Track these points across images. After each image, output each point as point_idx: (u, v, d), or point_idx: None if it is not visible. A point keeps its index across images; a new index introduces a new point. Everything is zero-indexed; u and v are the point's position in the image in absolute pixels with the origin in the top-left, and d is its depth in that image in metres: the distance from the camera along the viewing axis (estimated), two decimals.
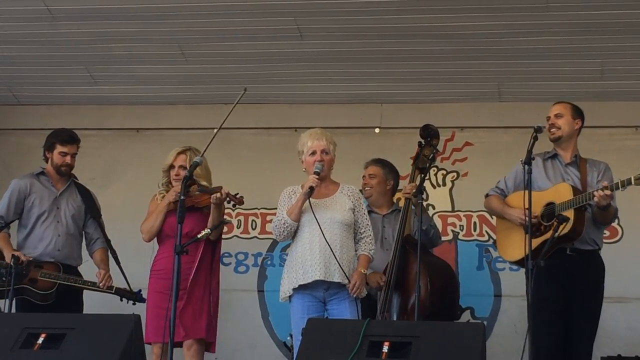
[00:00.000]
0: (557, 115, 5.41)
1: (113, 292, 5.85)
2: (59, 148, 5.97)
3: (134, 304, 5.85)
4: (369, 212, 5.99)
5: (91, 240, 6.06)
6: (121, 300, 5.88)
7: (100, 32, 6.54)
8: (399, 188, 6.21)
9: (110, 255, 6.02)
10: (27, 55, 6.93)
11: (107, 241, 6.03)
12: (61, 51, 6.86)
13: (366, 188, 6.12)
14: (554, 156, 5.45)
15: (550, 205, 5.21)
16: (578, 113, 5.45)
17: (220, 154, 7.30)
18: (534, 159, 4.96)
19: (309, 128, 5.54)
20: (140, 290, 5.81)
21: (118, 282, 5.93)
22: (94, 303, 6.16)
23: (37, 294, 5.72)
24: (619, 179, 5.02)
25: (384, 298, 5.54)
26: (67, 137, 6.00)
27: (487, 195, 5.57)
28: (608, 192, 4.98)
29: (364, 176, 6.17)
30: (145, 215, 5.69)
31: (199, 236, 5.07)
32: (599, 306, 5.28)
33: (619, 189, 4.98)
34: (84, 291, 5.93)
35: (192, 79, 7.18)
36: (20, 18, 6.43)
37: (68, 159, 5.98)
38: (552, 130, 5.40)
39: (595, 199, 5.00)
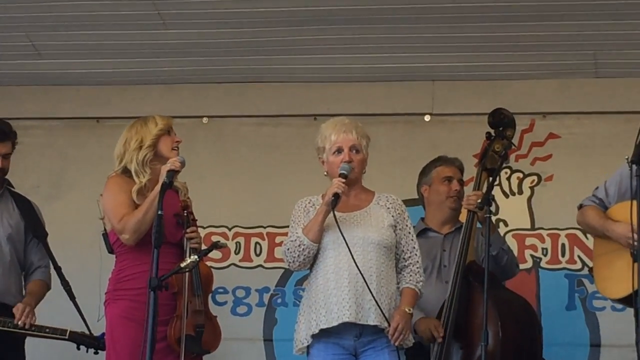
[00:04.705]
0: None
1: (67, 337, 5.85)
2: None
3: (95, 352, 5.88)
4: (426, 230, 6.06)
5: (30, 268, 6.09)
6: (78, 348, 5.90)
7: None
8: None
9: (62, 287, 6.05)
10: None
11: (57, 269, 6.05)
12: None
13: (452, 197, 6.06)
14: None
15: None
16: None
17: (211, 152, 7.35)
18: None
19: (332, 116, 5.54)
20: (103, 334, 5.79)
21: (73, 323, 5.93)
22: (39, 354, 6.19)
23: None
24: None
25: (438, 350, 5.54)
26: None
27: (580, 206, 5.59)
28: None
29: (446, 179, 6.11)
30: (113, 209, 5.44)
31: (182, 265, 5.05)
32: None
33: None
34: (27, 338, 5.95)
35: (172, 51, 7.19)
36: None
37: (0, 161, 5.99)
38: None
39: None
